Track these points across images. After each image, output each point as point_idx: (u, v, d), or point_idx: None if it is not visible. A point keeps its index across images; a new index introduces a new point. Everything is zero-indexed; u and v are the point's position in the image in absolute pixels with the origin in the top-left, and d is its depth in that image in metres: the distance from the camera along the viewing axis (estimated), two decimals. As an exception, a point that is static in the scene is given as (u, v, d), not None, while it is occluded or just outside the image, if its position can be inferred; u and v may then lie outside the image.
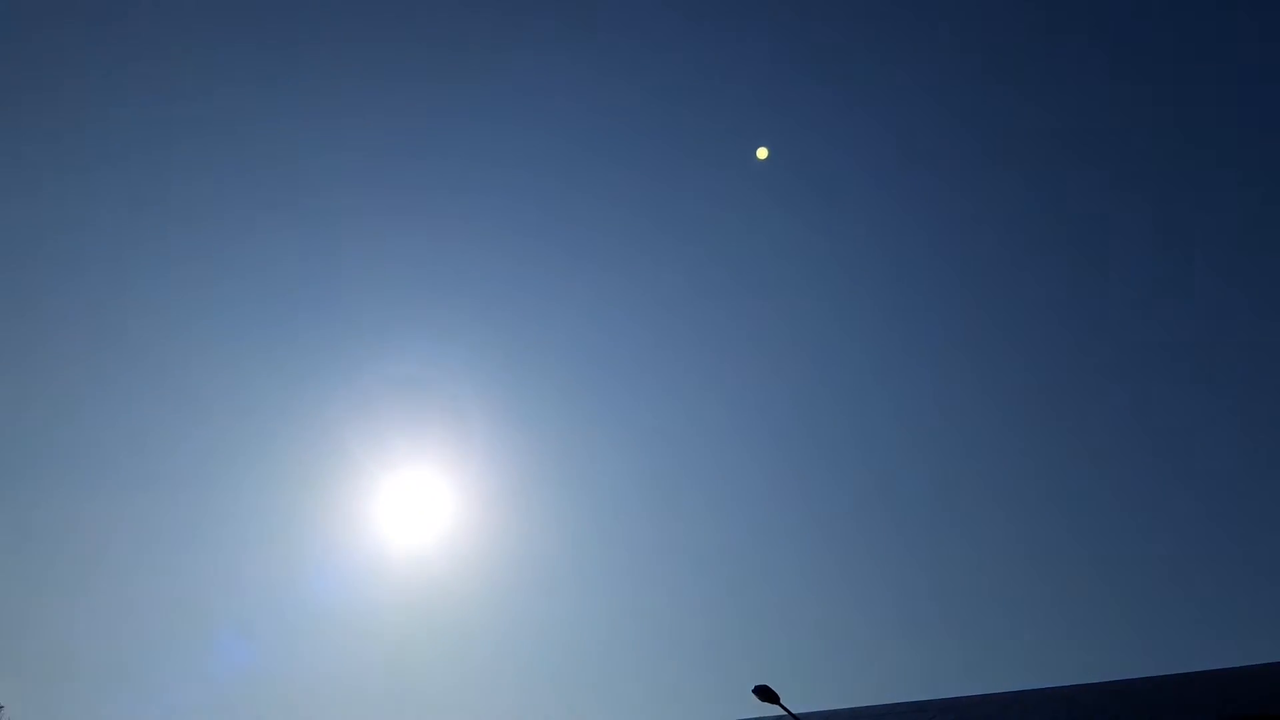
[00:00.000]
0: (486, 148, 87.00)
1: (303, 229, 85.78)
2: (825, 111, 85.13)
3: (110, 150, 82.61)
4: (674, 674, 74.09)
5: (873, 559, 79.97)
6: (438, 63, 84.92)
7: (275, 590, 76.93)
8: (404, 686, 75.90)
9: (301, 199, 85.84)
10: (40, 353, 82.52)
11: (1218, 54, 72.06)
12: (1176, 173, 78.35)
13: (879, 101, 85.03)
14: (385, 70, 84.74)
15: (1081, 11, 76.94)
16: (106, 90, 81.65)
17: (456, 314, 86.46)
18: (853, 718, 30.31)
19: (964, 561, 77.27)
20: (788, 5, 78.77)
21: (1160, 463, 75.56)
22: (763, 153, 71.65)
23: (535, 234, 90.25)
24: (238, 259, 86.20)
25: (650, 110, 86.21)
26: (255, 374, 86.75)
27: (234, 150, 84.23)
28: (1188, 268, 78.09)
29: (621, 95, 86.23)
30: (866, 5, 80.00)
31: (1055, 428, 79.72)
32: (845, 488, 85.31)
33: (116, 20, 78.95)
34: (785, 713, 23.31)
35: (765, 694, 22.69)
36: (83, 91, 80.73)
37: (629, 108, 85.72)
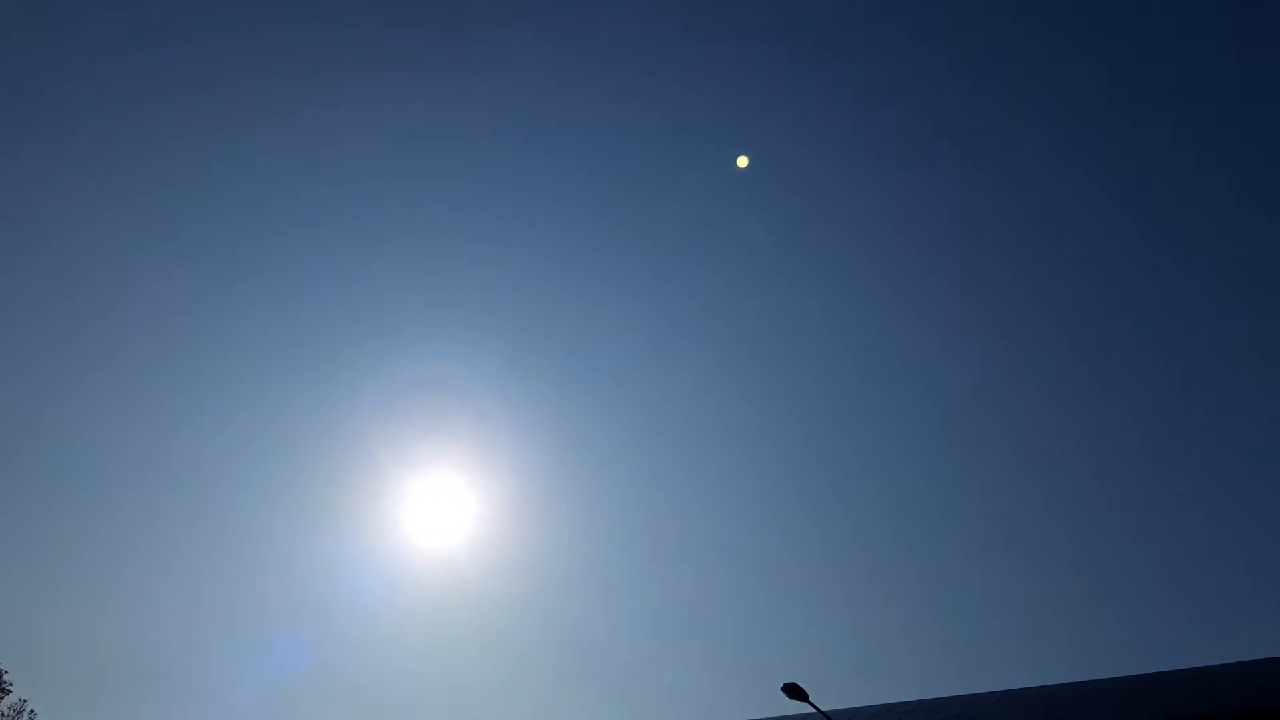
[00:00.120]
0: (510, 154, 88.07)
1: (330, 230, 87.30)
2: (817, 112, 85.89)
3: (119, 150, 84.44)
4: (703, 672, 74.88)
5: (900, 558, 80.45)
6: (452, 67, 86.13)
7: (314, 594, 78.38)
8: (436, 684, 77.06)
9: (326, 197, 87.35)
10: (86, 359, 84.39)
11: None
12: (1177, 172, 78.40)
13: (865, 101, 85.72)
14: (404, 84, 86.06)
15: (1061, 14, 77.09)
16: (128, 88, 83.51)
17: (478, 316, 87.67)
18: (880, 714, 30.85)
19: (990, 560, 77.62)
20: (765, 12, 79.47)
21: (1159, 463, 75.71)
22: (743, 161, 72.29)
23: (552, 240, 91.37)
24: (264, 259, 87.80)
25: (651, 118, 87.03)
26: (285, 380, 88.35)
27: (256, 149, 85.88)
28: (1188, 268, 78.11)
29: (625, 105, 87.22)
30: (847, 10, 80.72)
31: (1054, 427, 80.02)
32: (869, 487, 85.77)
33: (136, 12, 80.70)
34: (814, 710, 24.11)
35: (794, 691, 23.51)
36: (103, 91, 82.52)
37: (631, 116, 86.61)
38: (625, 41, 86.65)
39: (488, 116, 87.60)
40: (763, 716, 33.42)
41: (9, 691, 45.95)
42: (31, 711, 46.61)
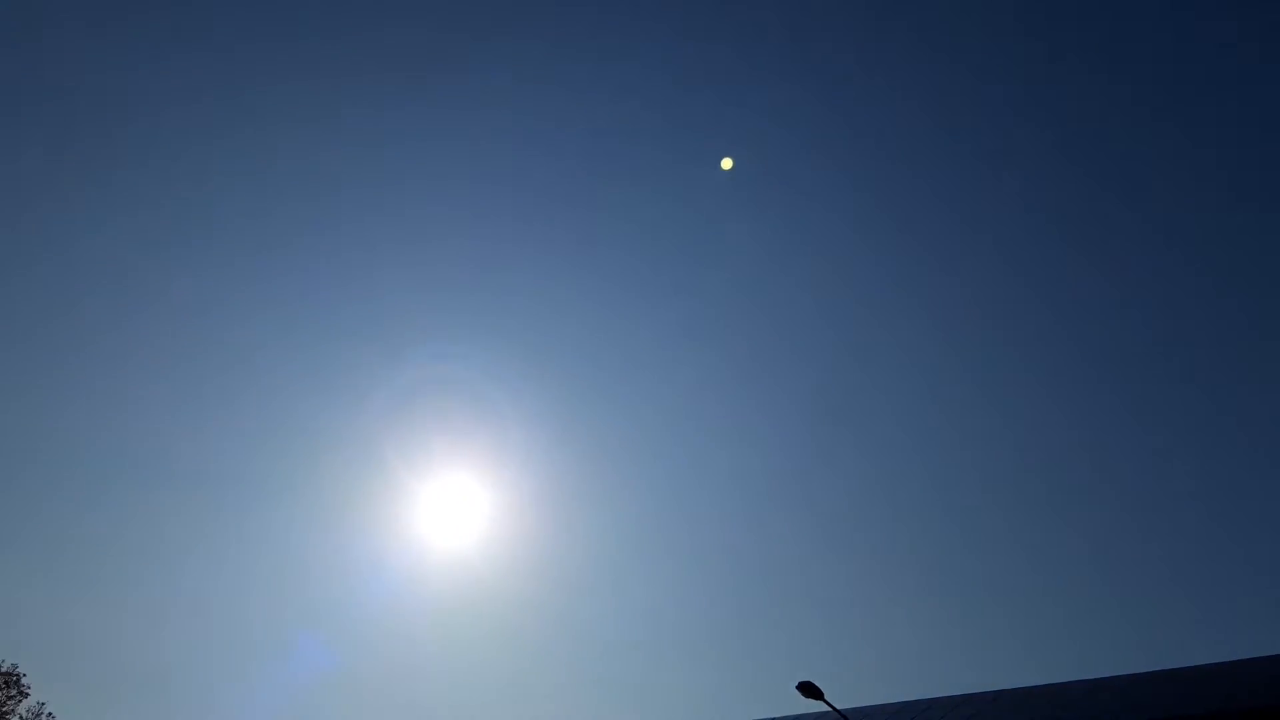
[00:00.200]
0: (514, 155, 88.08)
1: (336, 234, 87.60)
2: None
3: (131, 154, 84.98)
4: (718, 671, 74.63)
5: (914, 556, 79.93)
6: (450, 69, 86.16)
7: (332, 595, 78.68)
8: (450, 683, 77.14)
9: (331, 202, 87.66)
10: (102, 362, 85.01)
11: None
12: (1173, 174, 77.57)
13: (850, 101, 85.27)
14: (403, 87, 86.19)
15: (1059, 13, 76.33)
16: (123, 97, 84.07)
17: (486, 318, 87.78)
18: (898, 712, 30.58)
19: (1012, 557, 77.03)
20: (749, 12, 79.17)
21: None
22: (727, 163, 72.20)
23: (558, 240, 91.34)
24: (270, 264, 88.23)
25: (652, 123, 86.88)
26: (295, 382, 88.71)
27: (258, 155, 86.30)
28: (1187, 268, 77.26)
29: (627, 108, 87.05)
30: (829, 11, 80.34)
31: (1056, 424, 79.34)
32: (879, 485, 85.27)
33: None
34: (830, 708, 23.83)
35: (809, 690, 23.27)
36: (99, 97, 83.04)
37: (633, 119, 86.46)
38: (626, 41, 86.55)
39: (490, 118, 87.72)
40: (778, 715, 33.15)
41: (28, 694, 46.23)
42: (50, 714, 46.89)
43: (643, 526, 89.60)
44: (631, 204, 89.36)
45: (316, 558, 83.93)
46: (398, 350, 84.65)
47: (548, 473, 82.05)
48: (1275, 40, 68.40)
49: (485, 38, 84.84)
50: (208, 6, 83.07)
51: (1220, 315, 75.34)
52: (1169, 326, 78.66)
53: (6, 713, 45.29)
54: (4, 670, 45.93)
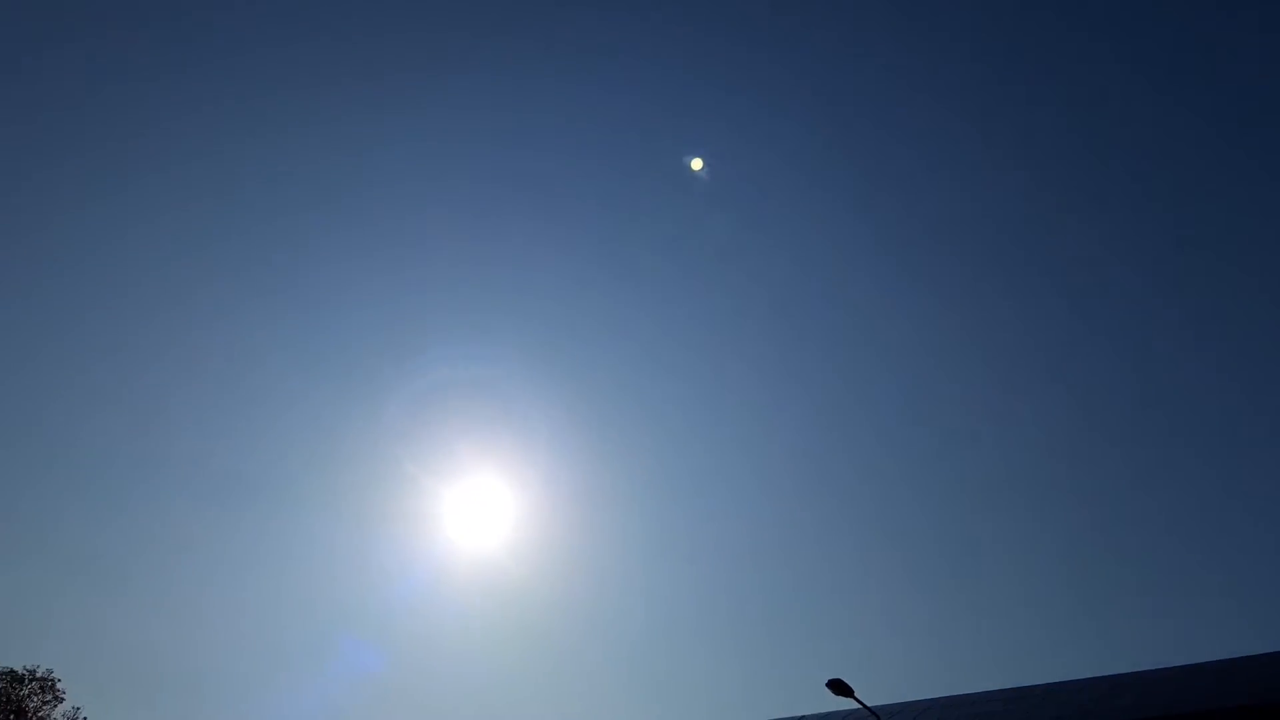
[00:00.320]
0: (529, 155, 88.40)
1: (359, 237, 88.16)
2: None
3: (152, 159, 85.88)
4: (748, 669, 74.69)
5: (941, 553, 79.73)
6: (465, 71, 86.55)
7: (367, 598, 79.12)
8: (482, 683, 77.50)
9: (351, 206, 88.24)
10: (131, 369, 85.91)
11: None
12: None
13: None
14: (418, 90, 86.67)
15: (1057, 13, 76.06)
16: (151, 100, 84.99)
17: (514, 319, 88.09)
18: (927, 709, 30.66)
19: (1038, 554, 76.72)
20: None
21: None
22: (697, 164, 72.33)
23: (580, 240, 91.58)
24: (293, 269, 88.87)
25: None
26: (319, 387, 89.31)
27: (279, 161, 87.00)
28: (1185, 268, 76.80)
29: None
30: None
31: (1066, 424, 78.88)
32: (908, 485, 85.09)
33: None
34: (860, 705, 23.98)
35: (839, 687, 23.43)
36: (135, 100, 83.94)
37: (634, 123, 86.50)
38: (636, 39, 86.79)
39: (504, 119, 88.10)
40: (809, 713, 33.29)
41: (63, 699, 46.93)
42: (85, 719, 47.57)
43: (670, 525, 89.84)
44: (655, 204, 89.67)
45: (347, 561, 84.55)
46: (421, 352, 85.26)
47: (573, 472, 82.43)
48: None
49: (499, 36, 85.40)
50: (225, 14, 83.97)
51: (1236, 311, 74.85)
52: (1181, 323, 78.29)
53: (43, 718, 46.01)
54: (39, 675, 46.65)
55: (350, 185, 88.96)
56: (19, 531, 79.68)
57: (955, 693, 31.73)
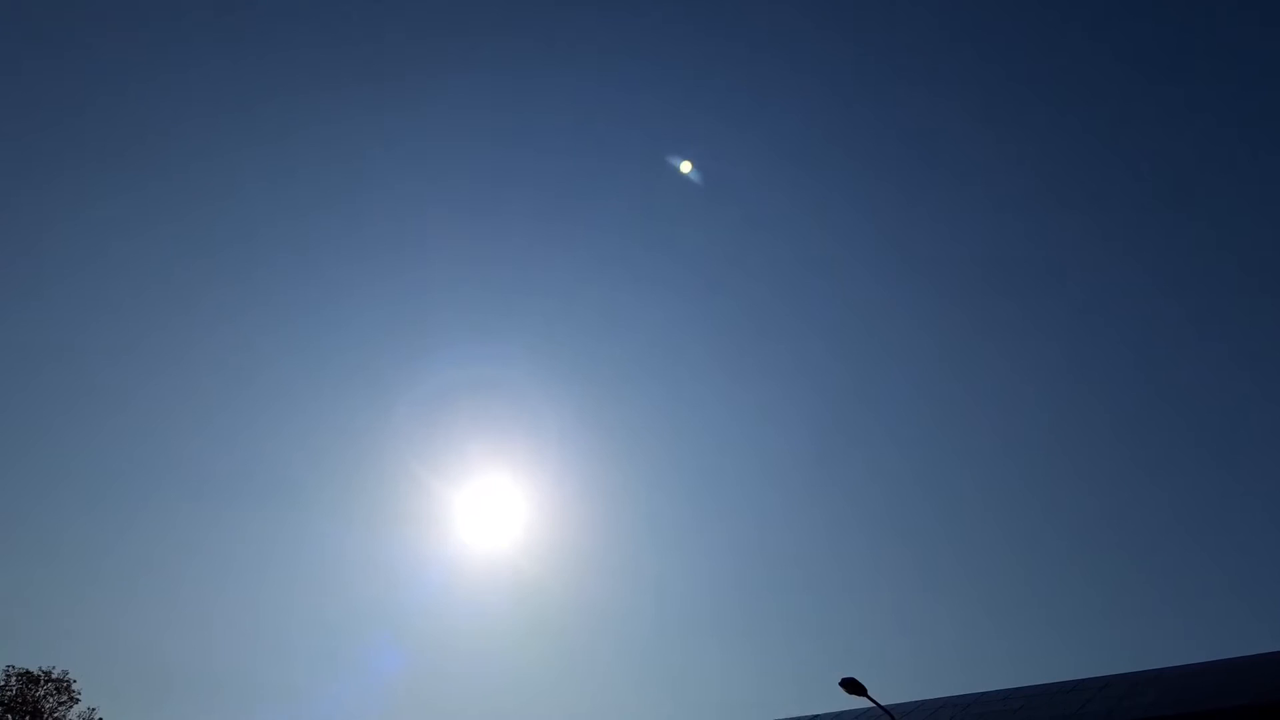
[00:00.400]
0: (537, 154, 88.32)
1: (364, 238, 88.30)
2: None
3: (160, 162, 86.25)
4: (762, 668, 74.44)
5: (952, 553, 79.23)
6: (470, 69, 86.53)
7: (384, 599, 79.25)
8: (501, 682, 77.51)
9: (357, 208, 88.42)
10: (141, 370, 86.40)
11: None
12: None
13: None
14: (424, 89, 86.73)
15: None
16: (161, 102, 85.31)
17: (526, 319, 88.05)
18: (940, 708, 30.36)
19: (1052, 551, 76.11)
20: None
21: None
22: (686, 166, 72.19)
23: (593, 239, 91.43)
24: (298, 272, 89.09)
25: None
26: (330, 390, 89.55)
27: (283, 165, 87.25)
28: (1191, 266, 75.98)
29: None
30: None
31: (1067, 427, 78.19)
32: (917, 484, 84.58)
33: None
34: (873, 704, 23.70)
35: (852, 686, 23.16)
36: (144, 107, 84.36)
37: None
38: (644, 39, 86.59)
39: (507, 118, 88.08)
40: (822, 712, 33.03)
41: (78, 700, 47.13)
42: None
43: (682, 523, 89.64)
44: (663, 202, 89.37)
45: (360, 563, 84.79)
46: (428, 353, 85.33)
47: (583, 470, 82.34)
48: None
49: (493, 38, 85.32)
50: (225, 17, 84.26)
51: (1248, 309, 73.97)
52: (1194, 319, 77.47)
53: (58, 718, 46.22)
54: (55, 676, 46.87)
55: (354, 186, 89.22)
56: (35, 535, 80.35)
57: (968, 691, 31.42)
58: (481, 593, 78.41)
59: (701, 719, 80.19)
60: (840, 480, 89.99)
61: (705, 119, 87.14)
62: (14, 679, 45.93)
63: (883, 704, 24.41)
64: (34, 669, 46.58)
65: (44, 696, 46.13)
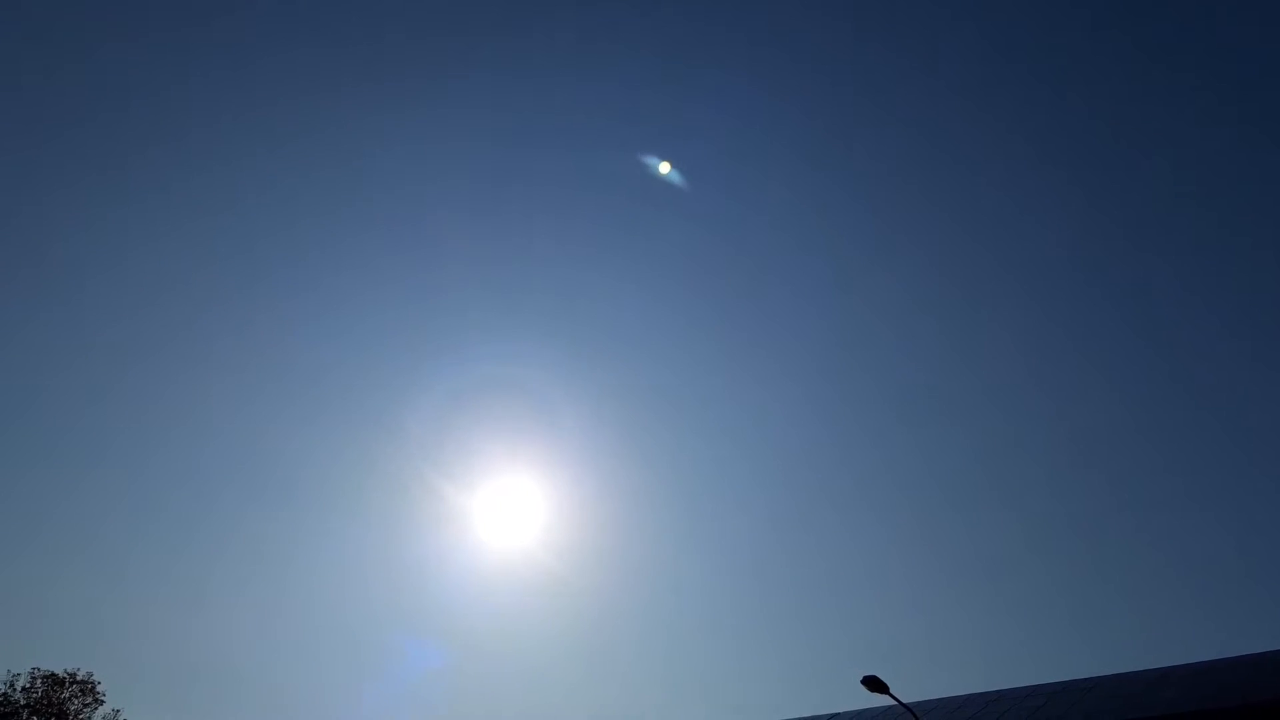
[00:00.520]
0: (546, 153, 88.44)
1: (378, 239, 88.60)
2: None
3: (181, 166, 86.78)
4: (784, 666, 74.41)
5: (974, 550, 78.96)
6: (480, 69, 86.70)
7: (409, 599, 79.57)
8: (526, 681, 77.73)
9: (382, 200, 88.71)
10: (165, 371, 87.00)
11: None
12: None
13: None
14: (431, 90, 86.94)
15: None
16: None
17: (549, 319, 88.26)
18: (964, 705, 30.35)
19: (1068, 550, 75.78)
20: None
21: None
22: (665, 167, 72.39)
23: (606, 236, 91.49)
24: (315, 277, 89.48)
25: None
26: (349, 391, 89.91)
27: (287, 168, 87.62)
28: (1199, 265, 75.48)
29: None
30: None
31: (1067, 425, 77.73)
32: (934, 484, 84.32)
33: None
34: (895, 702, 23.75)
35: (874, 684, 23.21)
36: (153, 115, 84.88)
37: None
38: (649, 33, 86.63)
39: (508, 117, 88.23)
40: (844, 710, 33.06)
41: (103, 702, 47.59)
42: (124, 721, 48.21)
43: (703, 522, 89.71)
44: (670, 202, 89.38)
45: (380, 563, 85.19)
46: (455, 350, 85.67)
47: (602, 469, 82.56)
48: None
49: (499, 37, 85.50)
50: (225, 19, 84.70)
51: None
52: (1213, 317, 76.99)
53: (83, 720, 46.70)
54: (80, 678, 47.35)
55: (361, 190, 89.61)
56: (59, 537, 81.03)
57: (989, 689, 31.39)
58: (502, 591, 78.77)
59: (725, 717, 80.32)
60: (860, 477, 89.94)
61: (709, 115, 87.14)
62: (40, 681, 46.45)
63: (905, 701, 24.46)
64: (59, 671, 47.13)
65: (69, 698, 46.61)
